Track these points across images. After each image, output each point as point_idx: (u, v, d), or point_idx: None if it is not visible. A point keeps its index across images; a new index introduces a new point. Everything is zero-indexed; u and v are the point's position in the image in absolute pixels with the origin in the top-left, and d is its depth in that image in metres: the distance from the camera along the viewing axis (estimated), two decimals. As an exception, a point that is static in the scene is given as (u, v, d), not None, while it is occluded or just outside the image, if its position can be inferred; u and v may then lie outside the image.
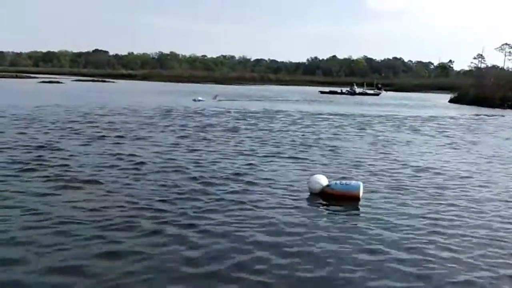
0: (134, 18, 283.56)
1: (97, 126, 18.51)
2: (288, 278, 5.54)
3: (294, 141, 16.82)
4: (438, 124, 26.34)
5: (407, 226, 7.46)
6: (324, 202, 8.74)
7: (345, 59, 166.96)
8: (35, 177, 9.67)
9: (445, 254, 6.41)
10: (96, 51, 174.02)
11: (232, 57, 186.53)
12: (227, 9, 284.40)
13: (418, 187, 10.14)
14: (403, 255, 6.30)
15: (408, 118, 30.02)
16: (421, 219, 7.84)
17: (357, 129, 22.02)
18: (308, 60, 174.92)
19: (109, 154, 12.54)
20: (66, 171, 10.30)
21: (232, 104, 36.98)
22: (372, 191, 9.50)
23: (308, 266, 5.85)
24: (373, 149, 15.64)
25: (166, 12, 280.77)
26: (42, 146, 13.30)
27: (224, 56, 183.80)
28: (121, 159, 11.98)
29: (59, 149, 12.95)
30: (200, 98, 39.67)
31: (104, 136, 15.88)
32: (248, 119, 24.72)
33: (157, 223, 7.14)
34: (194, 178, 10.10)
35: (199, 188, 9.34)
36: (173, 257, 5.92)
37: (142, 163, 11.48)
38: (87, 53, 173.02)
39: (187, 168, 11.08)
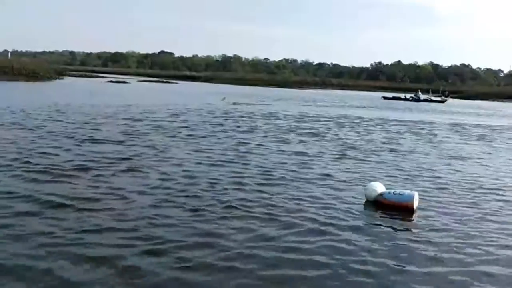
0: (199, 22, 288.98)
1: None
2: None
3: (353, 146, 16.52)
4: (510, 136, 24.89)
5: (462, 248, 6.77)
6: (376, 211, 8.43)
7: (410, 65, 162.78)
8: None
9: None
10: (162, 52, 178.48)
11: (295, 60, 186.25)
12: (290, 13, 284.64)
13: (482, 206, 9.13)
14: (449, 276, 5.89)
15: (477, 127, 28.78)
16: (480, 245, 6.92)
17: (421, 137, 21.28)
18: (371, 65, 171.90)
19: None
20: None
21: (289, 107, 36.90)
22: (430, 204, 9.02)
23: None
24: (437, 159, 14.98)
25: (230, 16, 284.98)
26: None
27: (287, 60, 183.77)
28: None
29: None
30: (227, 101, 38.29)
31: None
32: (306, 123, 24.49)
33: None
34: (258, 169, 10.05)
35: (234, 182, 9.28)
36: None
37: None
38: (153, 54, 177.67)
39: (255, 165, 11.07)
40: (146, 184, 9.39)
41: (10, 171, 9.83)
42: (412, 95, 71.85)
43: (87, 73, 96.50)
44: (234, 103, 36.24)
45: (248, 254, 6.13)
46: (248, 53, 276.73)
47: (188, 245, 6.28)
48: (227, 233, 6.81)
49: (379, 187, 9.01)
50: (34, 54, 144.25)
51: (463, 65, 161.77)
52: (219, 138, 16.62)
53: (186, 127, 19.47)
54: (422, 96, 71.21)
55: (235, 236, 6.74)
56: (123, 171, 10.48)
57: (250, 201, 8.62)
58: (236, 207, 8.14)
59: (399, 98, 69.69)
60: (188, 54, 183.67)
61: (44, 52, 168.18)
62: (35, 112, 21.01)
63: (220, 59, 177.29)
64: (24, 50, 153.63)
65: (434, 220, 8.01)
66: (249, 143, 15.89)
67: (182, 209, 7.87)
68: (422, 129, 25.40)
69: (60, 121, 18.79)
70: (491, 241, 7.14)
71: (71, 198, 8.08)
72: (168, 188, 9.18)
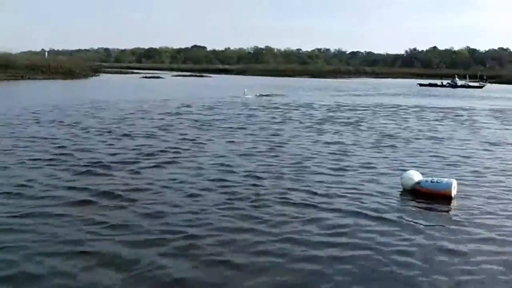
0: (231, 15, 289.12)
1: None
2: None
3: (389, 135, 16.41)
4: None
5: (502, 238, 6.60)
6: (413, 200, 8.35)
7: (446, 50, 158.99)
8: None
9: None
10: (194, 47, 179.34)
11: (327, 50, 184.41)
12: (322, 2, 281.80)
13: None
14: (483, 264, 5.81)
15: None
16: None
17: (459, 123, 20.91)
18: (406, 51, 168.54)
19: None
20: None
21: (323, 97, 36.72)
22: (469, 192, 8.87)
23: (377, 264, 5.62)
24: (476, 145, 14.70)
25: (262, 8, 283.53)
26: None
27: (319, 50, 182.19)
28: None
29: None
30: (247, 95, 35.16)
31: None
32: (341, 112, 24.36)
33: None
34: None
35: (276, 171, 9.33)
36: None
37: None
38: (186, 49, 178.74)
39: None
40: (184, 175, 9.59)
41: (55, 165, 10.17)
42: (449, 81, 70.35)
43: (122, 70, 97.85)
44: (267, 95, 36.23)
45: (290, 240, 6.21)
46: (280, 44, 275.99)
47: (224, 237, 6.39)
48: (264, 223, 6.89)
49: (415, 176, 8.92)
50: (70, 53, 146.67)
51: (501, 48, 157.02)
52: (254, 130, 16.72)
53: (222, 119, 19.63)
54: (459, 82, 69.65)
55: (273, 224, 6.83)
56: (162, 163, 10.75)
57: (288, 189, 8.74)
58: (273, 196, 8.26)
59: (435, 85, 68.39)
60: (220, 47, 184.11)
61: (79, 50, 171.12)
62: (73, 109, 21.53)
63: (252, 51, 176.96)
64: (60, 49, 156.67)
65: (473, 208, 7.88)
66: (284, 134, 15.99)
67: (221, 199, 8.02)
68: (460, 115, 24.92)
69: (97, 117, 19.21)
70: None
71: (114, 190, 8.35)
72: (207, 179, 9.33)
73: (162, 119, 19.20)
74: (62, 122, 17.39)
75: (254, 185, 9.00)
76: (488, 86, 72.53)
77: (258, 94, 35.82)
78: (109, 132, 15.18)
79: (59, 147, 12.38)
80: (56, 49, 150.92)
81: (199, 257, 5.71)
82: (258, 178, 9.53)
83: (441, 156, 12.61)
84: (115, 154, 11.58)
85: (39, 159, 10.76)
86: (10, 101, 24.95)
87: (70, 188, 8.47)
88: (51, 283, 5.02)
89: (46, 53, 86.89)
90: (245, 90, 35.73)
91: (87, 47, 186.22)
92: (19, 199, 7.76)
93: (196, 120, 18.97)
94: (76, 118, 18.59)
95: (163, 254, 5.76)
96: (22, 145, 12.46)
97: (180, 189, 8.62)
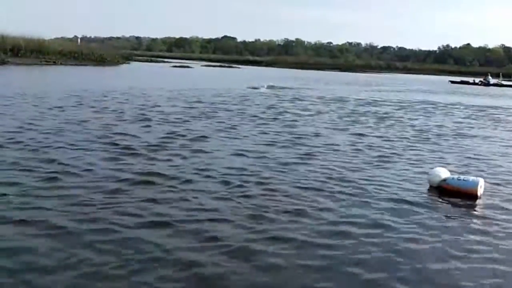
0: (262, 7, 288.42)
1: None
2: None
3: (419, 131, 16.27)
4: None
5: None
6: (438, 197, 8.24)
7: (480, 48, 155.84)
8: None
9: None
10: (225, 37, 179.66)
11: (358, 44, 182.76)
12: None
13: None
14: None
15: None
16: None
17: (489, 122, 20.51)
18: (439, 48, 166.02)
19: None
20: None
21: (353, 92, 36.45)
22: (496, 191, 8.71)
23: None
24: (507, 145, 14.39)
25: (292, 1, 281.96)
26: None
27: (350, 43, 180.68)
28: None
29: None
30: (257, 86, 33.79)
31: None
32: (370, 107, 24.17)
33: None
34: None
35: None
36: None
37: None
38: (216, 39, 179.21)
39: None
40: (215, 162, 9.68)
41: (93, 150, 10.36)
42: (481, 79, 69.04)
43: (152, 58, 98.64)
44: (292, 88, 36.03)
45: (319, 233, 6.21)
46: (310, 37, 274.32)
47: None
48: (297, 214, 6.91)
49: (442, 173, 8.80)
50: (102, 40, 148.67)
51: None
52: (283, 121, 16.71)
53: (252, 110, 19.65)
54: (492, 80, 68.24)
55: (297, 215, 6.83)
56: (193, 151, 10.86)
57: (317, 180, 8.80)
58: (304, 185, 8.41)
59: (467, 83, 67.26)
60: (250, 38, 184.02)
61: (111, 38, 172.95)
62: (104, 95, 21.82)
63: (282, 43, 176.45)
64: (92, 36, 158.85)
65: (499, 208, 7.73)
66: (315, 125, 16.05)
67: (256, 187, 8.11)
68: (491, 114, 24.45)
69: (127, 103, 19.47)
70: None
71: (150, 175, 8.52)
72: (240, 168, 9.38)
73: (192, 107, 19.25)
74: (95, 107, 17.79)
75: (287, 174, 9.03)
76: (523, 85, 70.89)
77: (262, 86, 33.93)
78: (141, 120, 15.28)
79: (96, 131, 12.64)
80: (88, 36, 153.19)
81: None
82: (289, 167, 9.56)
83: (470, 154, 12.41)
84: (146, 141, 11.70)
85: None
86: (47, 85, 25.34)
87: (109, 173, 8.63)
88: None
89: (79, 39, 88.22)
90: (265, 84, 34.74)
91: (119, 35, 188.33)
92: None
93: (226, 110, 19.02)
94: (108, 103, 18.91)
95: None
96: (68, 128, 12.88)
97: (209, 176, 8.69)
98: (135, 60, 78.79)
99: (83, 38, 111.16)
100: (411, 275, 5.29)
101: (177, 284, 4.81)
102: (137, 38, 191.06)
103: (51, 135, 11.79)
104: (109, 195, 7.31)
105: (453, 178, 8.60)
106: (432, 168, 9.32)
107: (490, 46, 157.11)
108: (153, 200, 7.20)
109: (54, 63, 49.68)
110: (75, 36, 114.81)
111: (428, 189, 8.70)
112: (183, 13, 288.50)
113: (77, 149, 10.37)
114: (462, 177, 8.67)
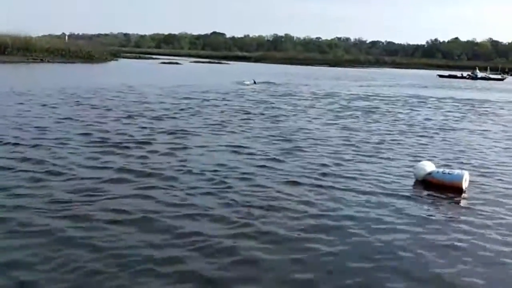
0: (250, 2, 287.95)
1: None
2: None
3: (406, 125, 16.31)
4: None
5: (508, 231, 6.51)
6: (423, 190, 8.26)
7: (468, 42, 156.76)
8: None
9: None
10: (213, 33, 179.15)
11: (347, 39, 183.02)
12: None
13: None
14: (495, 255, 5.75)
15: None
16: None
17: (476, 116, 20.61)
18: (427, 42, 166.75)
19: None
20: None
21: (342, 87, 36.49)
22: (481, 184, 8.74)
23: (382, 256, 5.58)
24: (494, 138, 14.47)
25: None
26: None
27: (339, 38, 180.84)
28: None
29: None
30: (246, 82, 33.47)
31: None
32: (358, 102, 24.19)
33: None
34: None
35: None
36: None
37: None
38: (205, 35, 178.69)
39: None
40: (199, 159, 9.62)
41: (77, 147, 10.28)
42: (469, 73, 69.54)
43: (141, 55, 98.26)
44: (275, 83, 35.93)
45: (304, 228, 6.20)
46: (299, 32, 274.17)
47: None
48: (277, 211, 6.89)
49: (428, 166, 8.83)
50: (90, 37, 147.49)
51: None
52: (271, 117, 16.67)
53: (240, 106, 19.59)
54: (480, 74, 68.79)
55: (288, 209, 6.82)
56: (179, 147, 10.82)
57: (303, 174, 8.75)
58: (289, 179, 8.42)
59: (455, 76, 67.77)
60: (239, 34, 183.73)
61: (99, 35, 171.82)
62: (90, 92, 21.65)
63: (271, 39, 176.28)
64: (80, 33, 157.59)
65: (483, 201, 7.77)
66: (303, 120, 16.11)
67: (240, 182, 7.99)
68: (479, 107, 24.58)
69: (114, 99, 19.32)
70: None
71: (131, 172, 8.46)
72: (224, 164, 9.27)
73: (175, 104, 19.15)
74: (87, 103, 17.85)
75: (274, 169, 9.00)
76: (510, 78, 71.47)
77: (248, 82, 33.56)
78: (129, 117, 15.17)
79: (83, 127, 12.69)
80: (76, 33, 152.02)
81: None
82: (274, 161, 9.54)
83: (457, 147, 12.48)
84: (134, 136, 11.69)
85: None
86: (30, 83, 25.08)
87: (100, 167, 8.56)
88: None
89: (67, 37, 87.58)
90: (254, 80, 34.45)
91: (107, 32, 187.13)
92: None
93: (214, 105, 18.95)
94: (95, 101, 18.76)
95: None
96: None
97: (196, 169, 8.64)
98: (123, 57, 78.52)
99: (71, 35, 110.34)
100: (393, 266, 5.31)
101: (157, 280, 4.78)
102: (126, 35, 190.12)
103: (37, 132, 11.71)
104: (91, 192, 7.26)
105: (438, 172, 8.62)
106: (417, 162, 9.35)
107: (478, 40, 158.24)
108: (135, 196, 7.19)
109: (42, 61, 49.31)
110: (63, 33, 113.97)
111: (414, 183, 8.73)
112: (172, 10, 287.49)
113: (61, 146, 10.29)
114: (447, 170, 8.70)
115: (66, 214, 6.33)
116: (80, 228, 5.91)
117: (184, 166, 9.11)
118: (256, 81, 34.23)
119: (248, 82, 32.95)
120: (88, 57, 56.91)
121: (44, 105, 16.91)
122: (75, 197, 7.00)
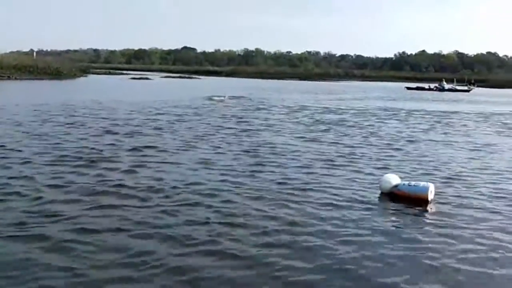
0: (221, 17, 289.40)
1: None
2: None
3: (371, 137, 16.40)
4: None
5: (475, 241, 6.57)
6: (390, 203, 8.32)
7: (434, 54, 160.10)
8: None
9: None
10: (184, 48, 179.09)
11: (317, 53, 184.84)
12: (312, 4, 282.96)
13: (501, 199, 8.71)
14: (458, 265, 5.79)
15: (504, 115, 28.30)
16: (492, 238, 6.66)
17: (441, 127, 20.88)
18: (395, 55, 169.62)
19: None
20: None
21: (310, 100, 36.72)
22: (446, 196, 8.81)
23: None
24: (458, 149, 14.66)
25: (253, 9, 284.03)
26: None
27: (309, 52, 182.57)
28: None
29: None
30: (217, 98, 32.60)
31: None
32: (325, 115, 24.33)
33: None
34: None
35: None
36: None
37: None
38: (176, 50, 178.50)
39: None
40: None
41: (42, 164, 9.98)
42: (436, 84, 70.89)
43: (111, 70, 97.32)
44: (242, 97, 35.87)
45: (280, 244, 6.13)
46: (270, 46, 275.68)
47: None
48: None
49: (393, 179, 8.88)
50: (59, 53, 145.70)
51: (489, 53, 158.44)
52: (242, 131, 16.59)
53: (211, 121, 19.46)
54: (447, 86, 70.21)
55: (260, 221, 6.74)
56: (145, 163, 10.59)
57: (266, 189, 8.63)
58: (253, 194, 8.33)
59: (422, 88, 68.97)
60: (210, 49, 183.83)
61: (68, 51, 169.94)
62: (57, 109, 21.29)
63: (242, 53, 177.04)
64: (49, 49, 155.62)
65: (448, 213, 7.83)
66: (273, 134, 15.94)
67: (204, 198, 7.90)
68: (445, 119, 24.95)
69: (78, 115, 19.01)
70: (506, 233, 6.97)
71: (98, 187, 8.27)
72: (189, 181, 9.17)
73: (147, 118, 18.98)
74: (53, 121, 17.35)
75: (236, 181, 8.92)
76: (476, 90, 73.10)
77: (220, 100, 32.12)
78: (107, 132, 15.10)
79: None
80: (45, 49, 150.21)
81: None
82: (236, 171, 9.47)
83: (422, 159, 12.59)
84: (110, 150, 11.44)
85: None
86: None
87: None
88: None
89: (35, 53, 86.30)
90: (226, 95, 33.75)
91: (76, 48, 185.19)
92: None
93: (181, 120, 18.80)
94: (65, 118, 18.40)
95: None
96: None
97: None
98: (93, 73, 77.58)
99: (40, 52, 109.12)
100: (357, 277, 5.33)
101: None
102: (95, 50, 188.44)
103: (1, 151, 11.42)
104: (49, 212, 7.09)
105: (404, 184, 8.68)
106: (382, 175, 9.39)
107: (444, 52, 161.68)
108: (94, 215, 7.03)
109: (9, 78, 48.40)
110: (31, 49, 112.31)
111: (380, 195, 8.76)
112: (142, 25, 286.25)
113: (25, 163, 10.14)
114: (413, 182, 8.77)
115: (24, 234, 6.16)
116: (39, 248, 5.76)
117: (147, 182, 8.99)
118: (228, 95, 34.00)
119: (217, 98, 32.61)
120: (57, 74, 56.13)
121: (9, 122, 16.55)
122: (34, 217, 6.82)
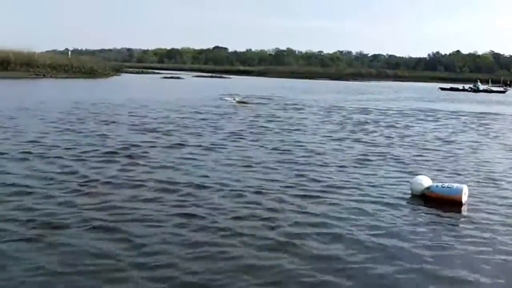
0: (253, 17, 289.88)
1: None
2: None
3: (405, 139, 16.21)
4: None
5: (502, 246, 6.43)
6: (422, 205, 8.21)
7: (469, 54, 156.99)
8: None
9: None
10: (216, 48, 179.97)
11: (349, 52, 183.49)
12: (344, 4, 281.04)
13: None
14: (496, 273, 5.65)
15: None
16: None
17: (477, 129, 20.52)
18: (429, 55, 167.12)
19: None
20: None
21: (342, 100, 36.49)
22: (481, 198, 8.67)
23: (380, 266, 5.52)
24: (493, 152, 14.37)
25: (284, 11, 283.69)
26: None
27: (341, 52, 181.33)
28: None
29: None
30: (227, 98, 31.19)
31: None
32: (358, 115, 24.18)
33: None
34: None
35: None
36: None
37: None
38: (208, 50, 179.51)
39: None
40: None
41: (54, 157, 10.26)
42: (471, 85, 69.45)
43: (144, 70, 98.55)
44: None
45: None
46: (301, 46, 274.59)
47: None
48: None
49: (425, 180, 8.75)
50: (93, 52, 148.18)
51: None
52: (272, 130, 16.68)
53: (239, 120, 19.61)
54: (482, 87, 68.66)
55: (288, 219, 6.77)
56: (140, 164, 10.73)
57: (299, 184, 8.68)
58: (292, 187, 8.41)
59: (457, 89, 67.64)
60: (241, 49, 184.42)
61: (102, 50, 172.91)
62: (92, 107, 21.73)
63: (273, 53, 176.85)
64: (83, 49, 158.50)
65: (483, 215, 7.71)
66: (306, 133, 15.97)
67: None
68: (479, 120, 24.49)
69: (121, 114, 19.36)
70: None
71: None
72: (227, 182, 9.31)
73: (176, 117, 19.18)
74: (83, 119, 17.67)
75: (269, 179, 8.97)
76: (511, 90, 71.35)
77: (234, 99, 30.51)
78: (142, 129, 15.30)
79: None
80: (79, 48, 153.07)
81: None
82: (266, 171, 9.53)
83: (456, 161, 12.42)
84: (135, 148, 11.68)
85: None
86: (29, 99, 25.16)
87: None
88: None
89: (70, 52, 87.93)
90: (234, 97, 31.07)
91: (110, 47, 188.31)
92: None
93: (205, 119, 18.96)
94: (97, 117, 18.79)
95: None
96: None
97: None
98: (126, 72, 78.72)
99: (74, 51, 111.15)
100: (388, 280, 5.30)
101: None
102: (129, 50, 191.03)
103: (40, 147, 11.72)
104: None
105: (437, 186, 8.57)
106: (414, 177, 9.26)
107: (479, 52, 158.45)
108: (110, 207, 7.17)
109: (44, 76, 49.51)
110: (66, 49, 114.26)
111: (411, 197, 8.64)
112: (175, 25, 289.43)
113: (76, 160, 10.33)
114: (446, 184, 8.64)
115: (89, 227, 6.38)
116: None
117: (194, 179, 9.14)
118: (254, 95, 33.30)
119: (228, 98, 30.84)
120: (91, 73, 57.20)
121: (49, 119, 17.00)
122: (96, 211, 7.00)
